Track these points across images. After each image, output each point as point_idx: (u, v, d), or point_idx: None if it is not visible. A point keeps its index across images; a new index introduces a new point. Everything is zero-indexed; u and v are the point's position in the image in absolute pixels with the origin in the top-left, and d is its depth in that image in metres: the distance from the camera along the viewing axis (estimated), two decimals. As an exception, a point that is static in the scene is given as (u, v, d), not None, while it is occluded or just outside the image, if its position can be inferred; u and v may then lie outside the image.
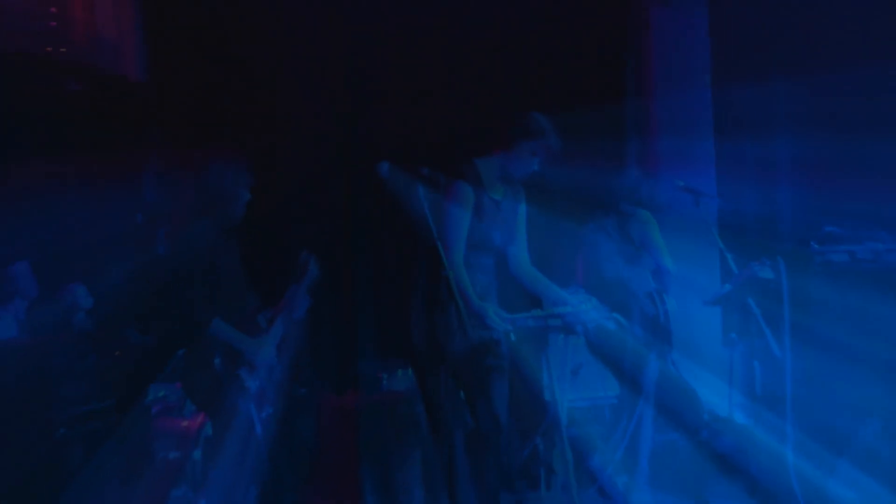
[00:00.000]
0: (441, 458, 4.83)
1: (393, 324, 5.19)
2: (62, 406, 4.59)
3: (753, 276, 5.23)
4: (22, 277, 6.05)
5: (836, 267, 5.46)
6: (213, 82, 7.11)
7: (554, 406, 4.87)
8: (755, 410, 5.59)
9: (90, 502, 4.54)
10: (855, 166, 6.15)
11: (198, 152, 4.65)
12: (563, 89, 6.65)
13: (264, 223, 4.72)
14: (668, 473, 5.81)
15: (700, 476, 5.75)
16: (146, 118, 7.48)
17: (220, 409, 4.52)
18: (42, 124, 6.66)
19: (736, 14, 6.94)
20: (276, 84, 7.05)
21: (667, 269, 5.51)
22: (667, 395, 5.60)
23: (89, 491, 4.55)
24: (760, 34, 6.84)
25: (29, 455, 4.29)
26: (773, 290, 5.20)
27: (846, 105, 6.31)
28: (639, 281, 5.49)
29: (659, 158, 6.96)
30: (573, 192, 5.67)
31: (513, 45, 6.94)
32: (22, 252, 6.11)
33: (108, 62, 7.59)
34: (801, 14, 6.63)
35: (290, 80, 7.02)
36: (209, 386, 4.49)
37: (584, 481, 5.40)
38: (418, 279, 4.82)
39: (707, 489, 5.71)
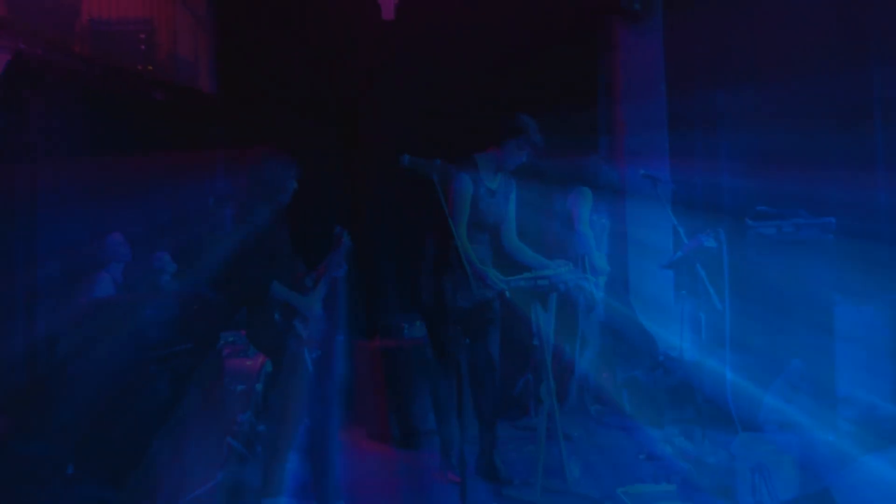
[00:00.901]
0: (449, 390, 4.85)
1: (412, 284, 5.17)
2: (152, 348, 4.59)
3: (700, 246, 5.20)
4: (118, 245, 6.06)
5: (766, 238, 5.44)
6: (270, 93, 7.08)
7: (541, 349, 4.83)
8: (701, 351, 5.61)
9: (175, 425, 4.55)
10: (782, 157, 6.10)
11: (256, 151, 4.63)
12: (546, 95, 6.60)
13: (308, 205, 4.69)
14: (632, 402, 5.82)
15: (657, 404, 5.77)
16: (215, 122, 7.47)
17: (279, 351, 4.53)
18: (134, 126, 6.65)
19: (685, 34, 6.87)
20: (316, 95, 7.02)
21: (582, 231, 5.44)
22: (628, 338, 5.60)
23: (174, 415, 4.56)
24: (705, 50, 6.78)
25: (126, 387, 4.31)
26: (715, 256, 5.18)
27: (776, 106, 6.27)
28: (573, 246, 5.46)
29: (625, 152, 6.93)
30: (551, 179, 5.63)
31: (506, 61, 6.90)
32: (119, 226, 6.12)
33: (185, 77, 7.58)
34: (737, 34, 6.57)
35: (326, 93, 7.01)
36: (270, 334, 4.50)
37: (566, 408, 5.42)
38: (432, 249, 4.83)
39: (662, 415, 5.73)
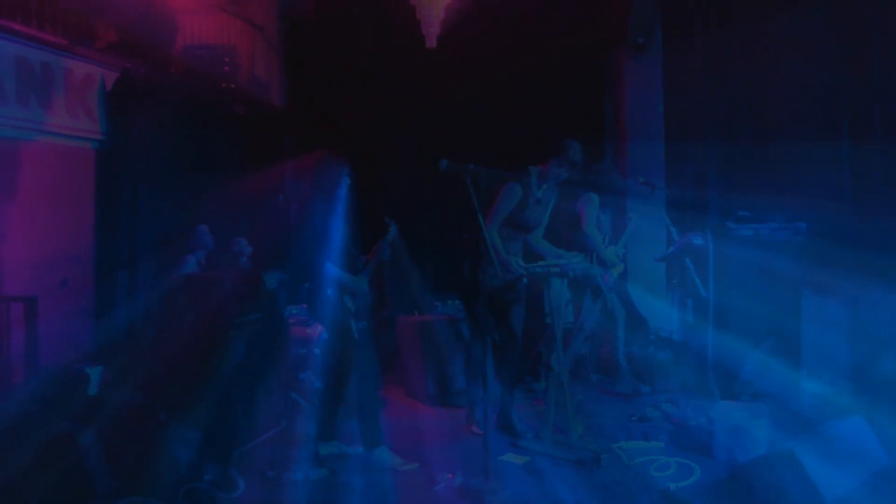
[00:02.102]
0: (477, 358, 4.85)
1: (447, 268, 5.16)
2: (231, 316, 4.63)
3: (689, 243, 5.19)
4: (203, 234, 6.12)
5: (745, 238, 5.38)
6: (330, 108, 7.12)
7: (552, 325, 4.81)
8: (687, 332, 5.57)
9: (248, 381, 4.58)
10: (763, 170, 6.04)
11: (316, 155, 4.64)
12: (562, 115, 6.58)
13: (360, 199, 4.70)
14: (629, 373, 5.79)
15: (650, 374, 5.74)
16: (285, 132, 7.52)
17: (332, 322, 4.53)
18: (219, 134, 6.72)
19: (681, 64, 6.83)
20: (369, 110, 7.03)
21: (587, 232, 5.39)
22: (629, 319, 5.56)
23: (248, 373, 4.59)
24: (698, 76, 6.72)
25: (210, 348, 4.33)
26: (702, 252, 5.16)
27: (760, 126, 6.21)
28: (581, 243, 5.41)
29: (627, 161, 6.88)
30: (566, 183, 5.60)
31: (527, 83, 6.89)
32: (205, 219, 6.17)
33: (261, 94, 7.65)
34: (725, 63, 6.50)
35: (377, 109, 7.02)
36: (325, 307, 4.50)
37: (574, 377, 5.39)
38: (466, 242, 4.82)
39: (654, 383, 5.70)
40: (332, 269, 4.44)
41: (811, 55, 6.05)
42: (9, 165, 5.42)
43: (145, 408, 4.16)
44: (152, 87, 6.04)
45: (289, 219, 6.48)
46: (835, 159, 5.87)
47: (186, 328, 4.45)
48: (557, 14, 6.79)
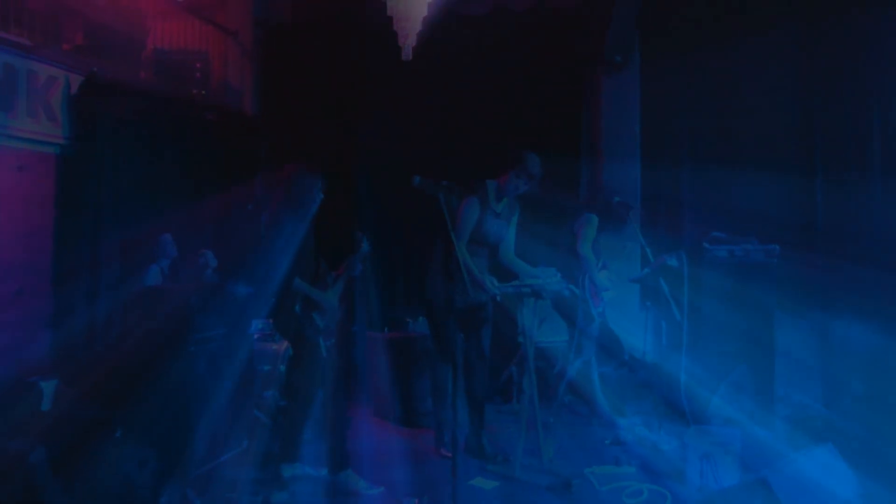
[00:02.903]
0: (445, 377, 4.81)
1: (417, 285, 5.12)
2: (193, 331, 4.53)
3: (664, 264, 5.19)
4: (167, 244, 6.02)
5: (719, 260, 5.42)
6: (302, 117, 7.05)
7: (525, 346, 4.78)
8: (661, 354, 5.58)
9: (210, 398, 4.49)
10: (737, 192, 6.09)
11: (291, 167, 4.57)
12: (537, 132, 6.58)
13: (331, 214, 4.64)
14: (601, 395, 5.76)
15: (622, 397, 5.73)
16: (257, 140, 7.44)
17: (299, 338, 4.46)
18: (188, 141, 6.62)
19: (658, 83, 6.87)
20: (341, 120, 6.99)
21: (581, 253, 5.35)
22: (602, 341, 5.56)
23: (210, 390, 4.50)
24: (674, 96, 6.76)
25: (169, 364, 4.24)
26: (676, 273, 5.17)
27: (735, 148, 6.27)
28: (577, 264, 5.41)
29: (603, 181, 6.89)
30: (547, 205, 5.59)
31: (503, 102, 6.89)
32: (170, 228, 6.07)
33: (233, 101, 7.55)
34: (702, 84, 6.55)
35: (350, 120, 6.98)
36: (291, 323, 4.44)
37: (544, 398, 5.35)
38: (436, 257, 4.79)
39: (627, 406, 5.69)
40: (301, 284, 4.38)
41: (786, 80, 6.14)
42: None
43: (100, 424, 4.05)
44: (119, 91, 5.92)
45: (258, 230, 6.46)
46: (808, 185, 5.95)
47: (146, 342, 4.34)
48: (535, 31, 6.80)
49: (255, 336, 5.18)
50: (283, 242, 4.37)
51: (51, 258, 5.63)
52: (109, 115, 5.83)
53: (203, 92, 7.21)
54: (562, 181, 6.22)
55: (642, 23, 6.89)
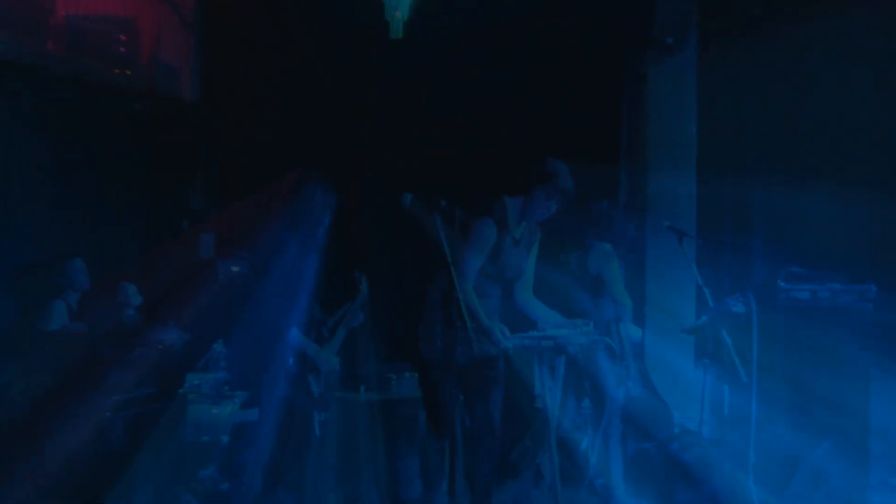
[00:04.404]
0: (440, 455, 4.76)
1: (405, 333, 5.09)
2: (108, 392, 4.50)
3: (727, 310, 5.17)
4: (76, 273, 5.94)
5: (799, 303, 5.41)
6: (259, 108, 7.03)
7: (545, 413, 4.74)
8: (722, 427, 5.53)
9: (127, 480, 4.44)
10: (821, 215, 6.09)
11: (293, 173, 4.56)
12: (564, 132, 6.60)
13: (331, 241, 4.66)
14: (643, 478, 5.71)
15: (669, 483, 5.67)
16: (199, 135, 7.41)
17: (287, 409, 4.44)
18: (107, 135, 6.58)
19: (722, 72, 6.87)
20: (311, 114, 6.97)
21: (619, 300, 5.34)
22: (640, 410, 5.51)
23: (127, 469, 4.46)
24: (744, 89, 6.78)
25: (75, 436, 4.20)
26: (743, 322, 5.14)
27: (819, 158, 6.27)
28: (599, 312, 5.35)
29: (648, 199, 6.88)
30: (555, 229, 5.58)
31: (523, 93, 6.90)
32: (81, 250, 6.02)
33: (168, 84, 7.53)
34: (782, 72, 6.56)
35: (322, 114, 6.96)
36: (278, 384, 4.43)
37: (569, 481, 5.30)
38: (432, 297, 4.75)
39: (674, 495, 5.64)
40: (297, 335, 4.34)
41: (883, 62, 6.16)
42: None
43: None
44: (15, 68, 5.91)
45: (198, 254, 6.42)
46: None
47: (48, 407, 4.29)
48: (564, 5, 6.81)
49: (191, 397, 5.12)
50: (280, 279, 4.36)
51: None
52: (5, 99, 5.80)
53: (128, 72, 7.18)
54: (593, 195, 6.20)
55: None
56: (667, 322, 5.76)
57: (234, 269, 5.78)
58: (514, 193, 4.80)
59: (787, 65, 6.50)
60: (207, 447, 4.98)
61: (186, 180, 6.90)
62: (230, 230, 6.62)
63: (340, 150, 6.82)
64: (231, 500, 4.57)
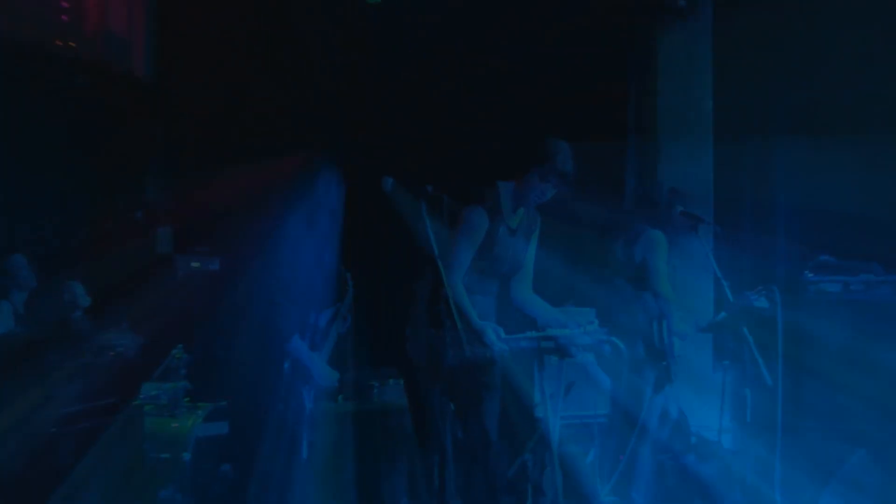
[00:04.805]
0: (428, 471, 4.79)
1: (388, 334, 5.12)
2: (55, 404, 4.52)
3: (749, 305, 5.19)
4: (19, 269, 5.96)
5: (829, 296, 5.44)
6: (221, 84, 7.04)
7: (545, 423, 4.81)
8: (744, 435, 5.57)
9: (77, 502, 4.47)
10: (853, 195, 6.13)
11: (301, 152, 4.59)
12: (569, 108, 6.61)
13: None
14: (656, 494, 5.75)
15: (686, 499, 5.72)
16: (152, 114, 7.42)
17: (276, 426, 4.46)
18: (48, 115, 6.58)
19: (739, 37, 6.92)
20: (277, 88, 6.98)
21: (661, 294, 5.38)
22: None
23: (77, 490, 4.48)
24: (763, 56, 6.84)
25: (19, 452, 4.22)
26: (767, 318, 5.16)
27: (846, 127, 6.31)
28: (641, 305, 5.39)
29: (658, 180, 6.88)
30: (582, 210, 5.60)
31: (517, 63, 6.92)
32: (21, 246, 6.03)
33: (117, 57, 7.53)
34: (805, 33, 6.61)
35: (288, 88, 6.97)
36: (267, 395, 4.47)
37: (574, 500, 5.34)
38: (420, 294, 4.78)
39: (695, 511, 5.70)
40: (299, 344, 4.46)
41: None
42: None
43: None
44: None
45: (153, 248, 6.44)
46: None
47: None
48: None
49: (147, 410, 5.15)
50: (286, 275, 4.38)
51: None
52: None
53: (72, 44, 7.18)
54: (598, 177, 6.23)
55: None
56: (680, 318, 5.76)
57: (195, 265, 5.81)
58: (509, 177, 4.84)
59: (823, 26, 6.53)
60: (167, 465, 5.01)
61: (140, 166, 6.88)
62: (190, 222, 6.66)
63: (315, 130, 6.82)
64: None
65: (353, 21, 6.64)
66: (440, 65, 6.87)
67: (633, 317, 5.27)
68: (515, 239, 4.86)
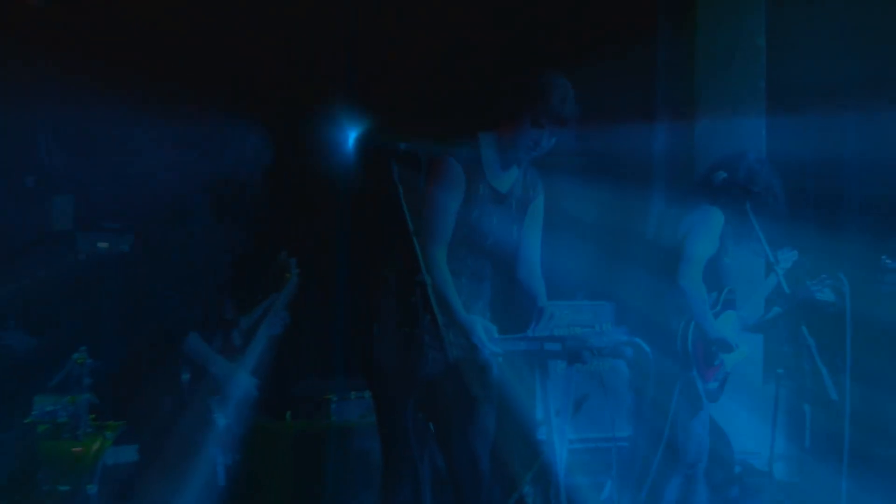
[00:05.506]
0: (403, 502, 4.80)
1: (349, 335, 5.11)
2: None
3: (810, 298, 5.20)
4: None
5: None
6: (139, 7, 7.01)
7: (549, 448, 4.80)
8: (803, 463, 5.61)
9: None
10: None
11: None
12: (594, 68, 6.63)
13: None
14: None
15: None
16: (47, 49, 7.36)
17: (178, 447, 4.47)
18: None
19: (795, 24, 7.02)
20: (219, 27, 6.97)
21: (680, 283, 5.33)
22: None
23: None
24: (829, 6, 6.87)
25: None
26: (832, 315, 5.18)
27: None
28: (673, 297, 5.38)
29: (695, 141, 6.98)
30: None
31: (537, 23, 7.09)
32: None
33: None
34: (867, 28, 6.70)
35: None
36: (164, 411, 4.46)
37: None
38: (388, 282, 4.74)
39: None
40: (198, 344, 4.51)
41: None
42: None
43: None
44: None
45: (48, 224, 6.42)
46: None
47: None
48: None
49: (42, 429, 5.15)
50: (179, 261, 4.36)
51: None
52: None
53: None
54: (617, 142, 6.25)
55: None
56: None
57: (102, 245, 5.78)
58: (492, 126, 4.80)
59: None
60: (66, 500, 5.01)
61: (30, 117, 6.84)
62: (95, 191, 6.62)
63: (264, 79, 6.79)
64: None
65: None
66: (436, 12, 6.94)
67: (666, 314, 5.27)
68: (505, 207, 4.81)
